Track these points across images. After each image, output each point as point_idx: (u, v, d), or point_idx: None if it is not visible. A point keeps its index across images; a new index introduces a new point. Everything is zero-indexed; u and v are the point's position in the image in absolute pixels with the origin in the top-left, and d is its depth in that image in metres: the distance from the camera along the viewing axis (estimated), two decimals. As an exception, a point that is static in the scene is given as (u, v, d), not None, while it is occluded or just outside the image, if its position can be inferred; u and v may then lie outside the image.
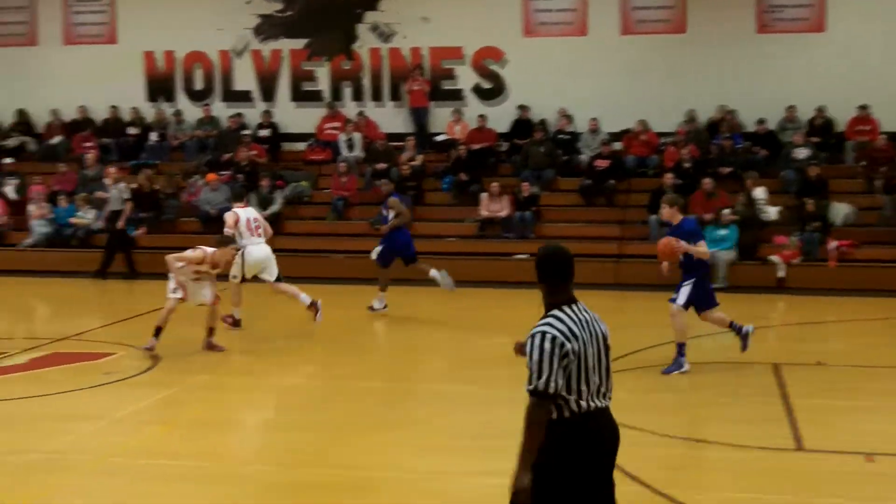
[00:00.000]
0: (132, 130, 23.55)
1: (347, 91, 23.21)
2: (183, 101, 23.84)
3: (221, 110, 23.52)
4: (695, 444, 8.79)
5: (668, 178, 19.32)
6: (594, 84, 21.83)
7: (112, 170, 20.59)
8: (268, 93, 23.49)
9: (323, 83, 23.26)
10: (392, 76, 22.97)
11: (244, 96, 23.56)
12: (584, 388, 4.94)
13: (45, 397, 10.70)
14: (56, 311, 17.60)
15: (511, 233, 19.88)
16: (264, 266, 14.19)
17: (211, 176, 20.96)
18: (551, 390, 4.83)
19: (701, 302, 11.51)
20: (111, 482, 8.02)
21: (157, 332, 12.34)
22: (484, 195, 20.26)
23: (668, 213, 11.62)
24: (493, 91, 22.57)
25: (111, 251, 19.67)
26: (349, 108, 23.04)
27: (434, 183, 21.50)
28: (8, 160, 22.68)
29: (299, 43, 23.20)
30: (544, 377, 4.84)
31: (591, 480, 5.00)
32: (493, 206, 20.11)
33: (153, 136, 23.34)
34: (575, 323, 4.97)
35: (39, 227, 20.96)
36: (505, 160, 21.83)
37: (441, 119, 22.66)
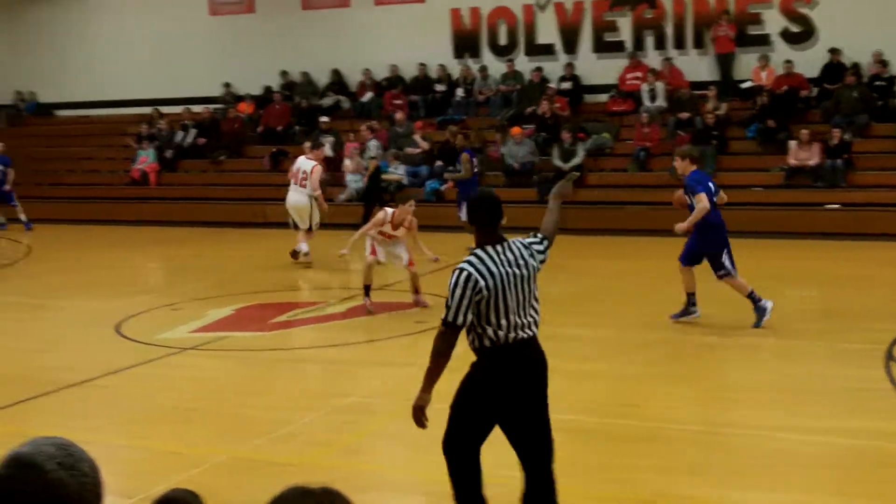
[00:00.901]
0: (439, 87, 24.27)
1: (649, 40, 22.89)
2: (488, 57, 24.27)
3: (524, 64, 23.78)
4: None
5: None
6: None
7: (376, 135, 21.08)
8: (570, 45, 23.53)
9: (625, 33, 23.05)
10: (695, 23, 22.46)
11: (547, 49, 23.71)
12: (503, 321, 5.45)
13: (361, 344, 11.33)
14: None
15: (821, 182, 19.08)
16: (295, 212, 16.64)
17: (515, 130, 21.32)
18: (458, 322, 5.42)
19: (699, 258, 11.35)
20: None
21: (367, 290, 12.88)
22: (792, 143, 19.52)
23: (680, 165, 11.39)
24: (801, 35, 21.62)
25: (369, 206, 20.03)
26: (651, 58, 22.74)
27: (739, 131, 20.93)
28: (324, 119, 23.89)
29: (601, -7, 23.08)
30: (453, 310, 5.42)
31: (513, 403, 5.53)
32: (802, 154, 19.35)
33: (459, 92, 23.96)
34: (495, 262, 5.45)
35: (353, 182, 22.03)
36: (814, 106, 20.93)
37: (746, 65, 21.96)
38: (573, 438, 7.97)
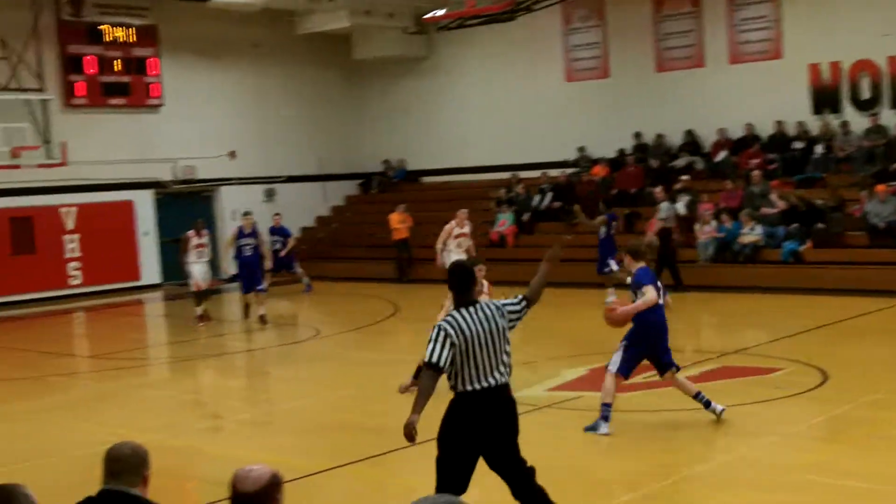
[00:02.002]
0: (797, 144, 23.64)
1: None
2: (849, 111, 23.42)
3: (890, 118, 22.74)
4: None
5: None
6: None
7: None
8: (939, 96, 22.29)
9: None
10: None
11: (915, 101, 22.60)
12: (472, 370, 6.58)
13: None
14: (723, 325, 18.19)
15: None
16: None
17: (880, 187, 20.41)
18: (433, 359, 6.53)
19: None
20: (782, 498, 8.21)
21: None
22: None
23: (627, 260, 10.63)
24: None
25: (660, 265, 19.91)
26: None
27: None
28: (684, 177, 23.76)
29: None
30: (429, 351, 6.56)
31: (485, 442, 6.65)
32: None
33: (818, 149, 23.23)
34: (466, 321, 6.61)
35: (707, 243, 21.79)
36: None
37: None
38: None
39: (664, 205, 21.70)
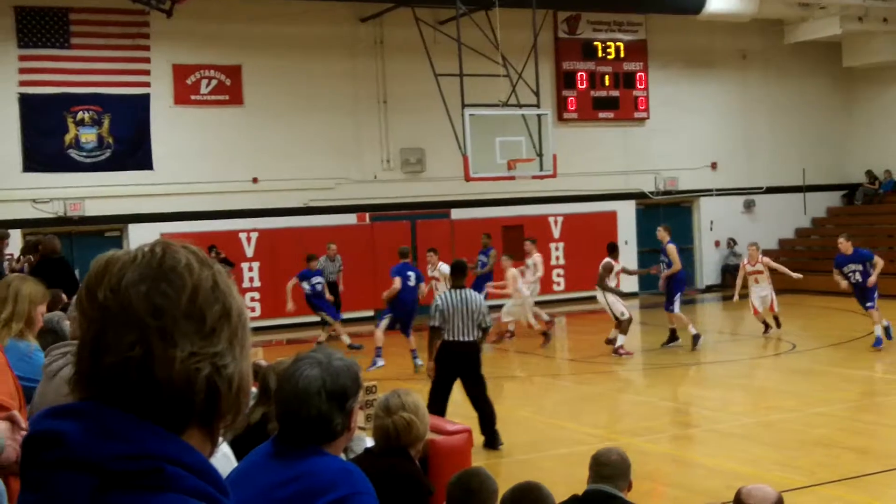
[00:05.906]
0: None
1: None
2: None
3: None
4: None
5: None
6: None
7: None
8: None
9: None
10: None
11: None
12: (453, 329, 11.07)
13: None
14: None
15: None
16: None
17: None
18: (433, 323, 11.18)
19: None
20: None
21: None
22: None
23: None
24: None
25: None
26: None
27: None
28: None
29: None
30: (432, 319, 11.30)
31: (453, 372, 11.23)
32: None
33: None
34: (451, 297, 11.20)
35: None
36: None
37: None
38: None
39: None
